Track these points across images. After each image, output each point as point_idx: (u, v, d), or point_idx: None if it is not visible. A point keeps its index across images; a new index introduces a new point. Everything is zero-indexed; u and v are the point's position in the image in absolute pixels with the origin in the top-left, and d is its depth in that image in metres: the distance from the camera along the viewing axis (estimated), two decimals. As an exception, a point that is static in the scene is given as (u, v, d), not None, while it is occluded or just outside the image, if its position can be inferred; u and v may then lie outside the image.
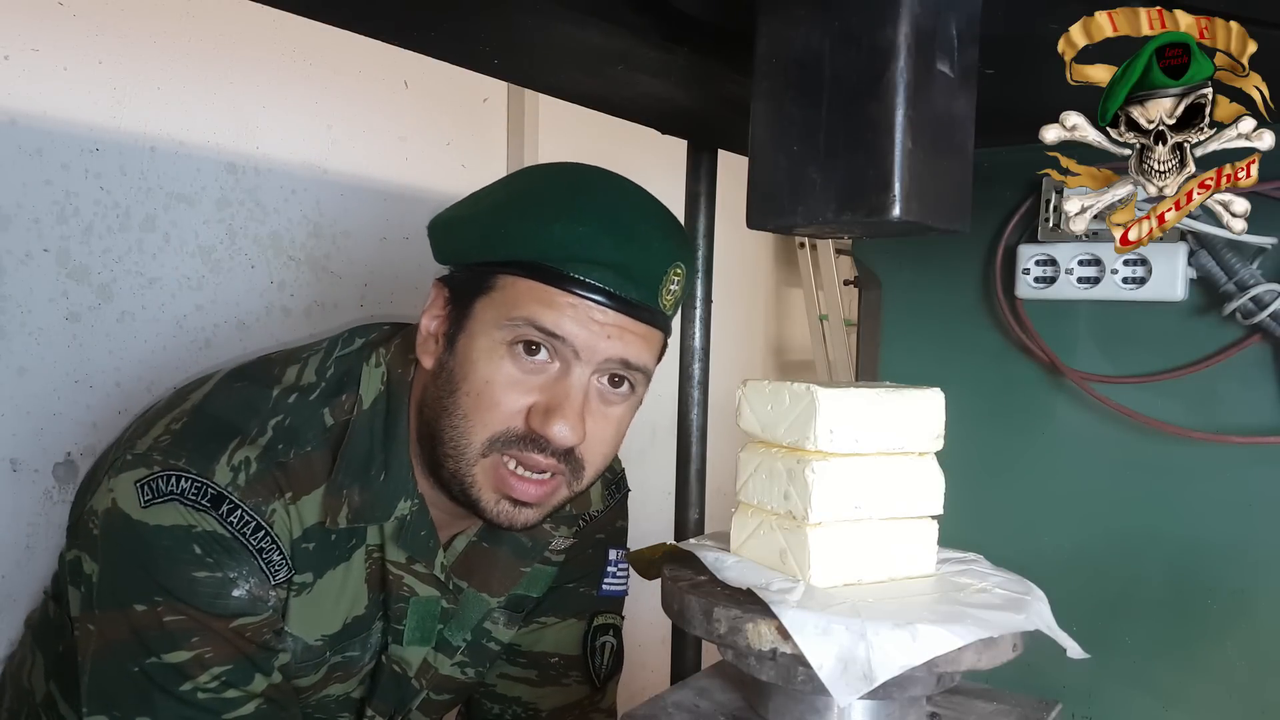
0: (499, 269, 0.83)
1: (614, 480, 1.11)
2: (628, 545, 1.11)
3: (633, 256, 0.81)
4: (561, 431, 0.81)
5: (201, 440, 0.83)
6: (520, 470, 0.83)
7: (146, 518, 0.79)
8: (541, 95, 1.14)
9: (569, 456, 0.84)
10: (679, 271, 0.85)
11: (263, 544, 0.82)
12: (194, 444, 0.82)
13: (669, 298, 0.85)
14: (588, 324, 0.81)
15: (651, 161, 1.35)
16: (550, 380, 0.82)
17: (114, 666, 0.79)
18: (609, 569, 1.06)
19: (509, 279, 0.82)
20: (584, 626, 1.07)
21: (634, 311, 0.83)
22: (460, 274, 0.87)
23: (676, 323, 1.32)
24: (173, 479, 0.80)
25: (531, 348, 0.81)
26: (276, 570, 0.83)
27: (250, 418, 0.85)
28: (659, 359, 0.90)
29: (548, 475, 0.84)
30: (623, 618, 1.12)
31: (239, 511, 0.81)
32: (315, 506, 0.85)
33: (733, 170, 1.12)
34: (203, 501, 0.80)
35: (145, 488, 0.80)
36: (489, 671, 1.05)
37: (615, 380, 0.85)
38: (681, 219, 1.30)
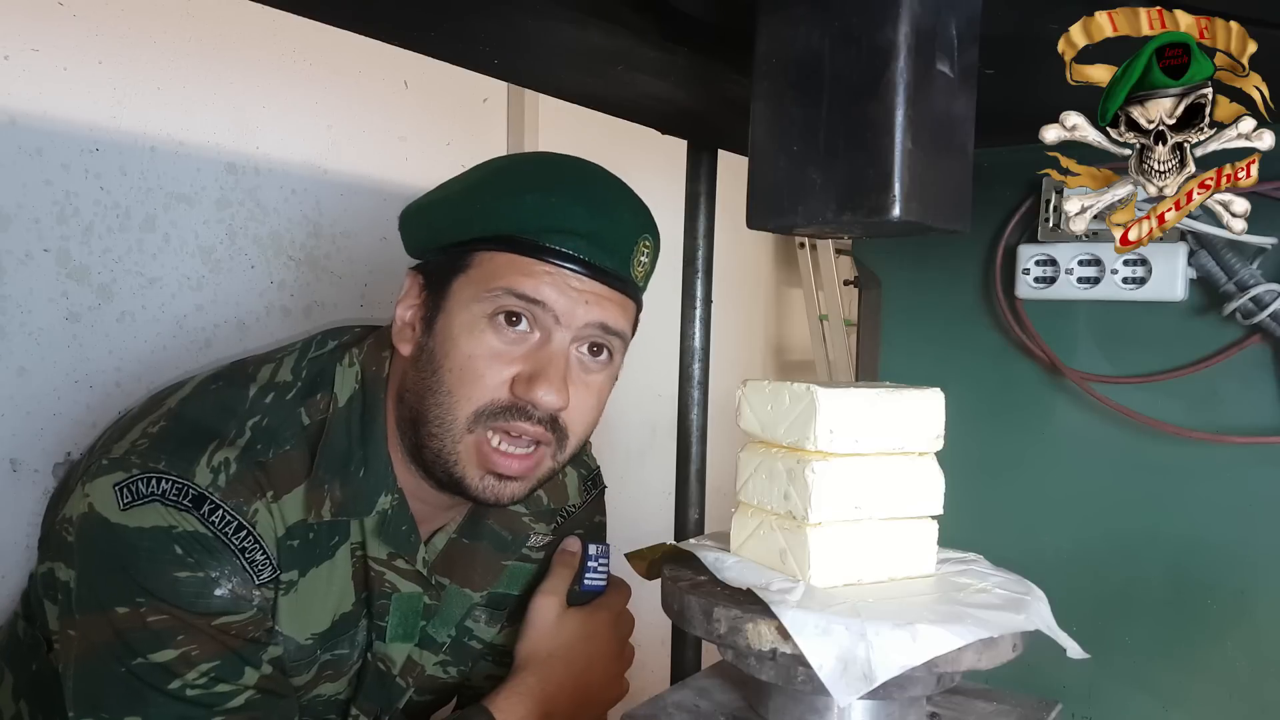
0: (475, 246, 0.85)
1: (590, 476, 1.13)
2: (607, 541, 1.13)
3: (604, 227, 0.84)
4: (547, 395, 0.83)
5: (180, 443, 0.83)
6: (504, 446, 0.85)
7: (126, 520, 0.79)
8: (541, 95, 1.14)
9: (554, 425, 0.86)
10: (648, 244, 0.89)
11: (245, 543, 0.82)
12: (172, 447, 0.82)
13: (639, 269, 0.89)
14: (566, 290, 0.83)
15: (651, 161, 1.35)
16: (532, 349, 0.84)
17: (99, 668, 0.79)
18: (589, 564, 1.08)
19: (486, 254, 0.84)
20: None
21: (608, 279, 0.85)
22: (435, 258, 0.89)
23: (676, 322, 1.33)
24: (152, 481, 0.80)
25: (512, 318, 0.83)
26: (260, 570, 0.83)
27: (228, 419, 0.85)
28: (634, 329, 0.92)
29: (532, 449, 0.86)
30: None
31: (220, 511, 0.81)
32: (297, 504, 0.86)
33: (733, 170, 1.12)
34: (184, 502, 0.80)
35: (124, 490, 0.80)
36: (471, 671, 1.06)
37: (594, 349, 0.88)
38: (681, 219, 1.31)
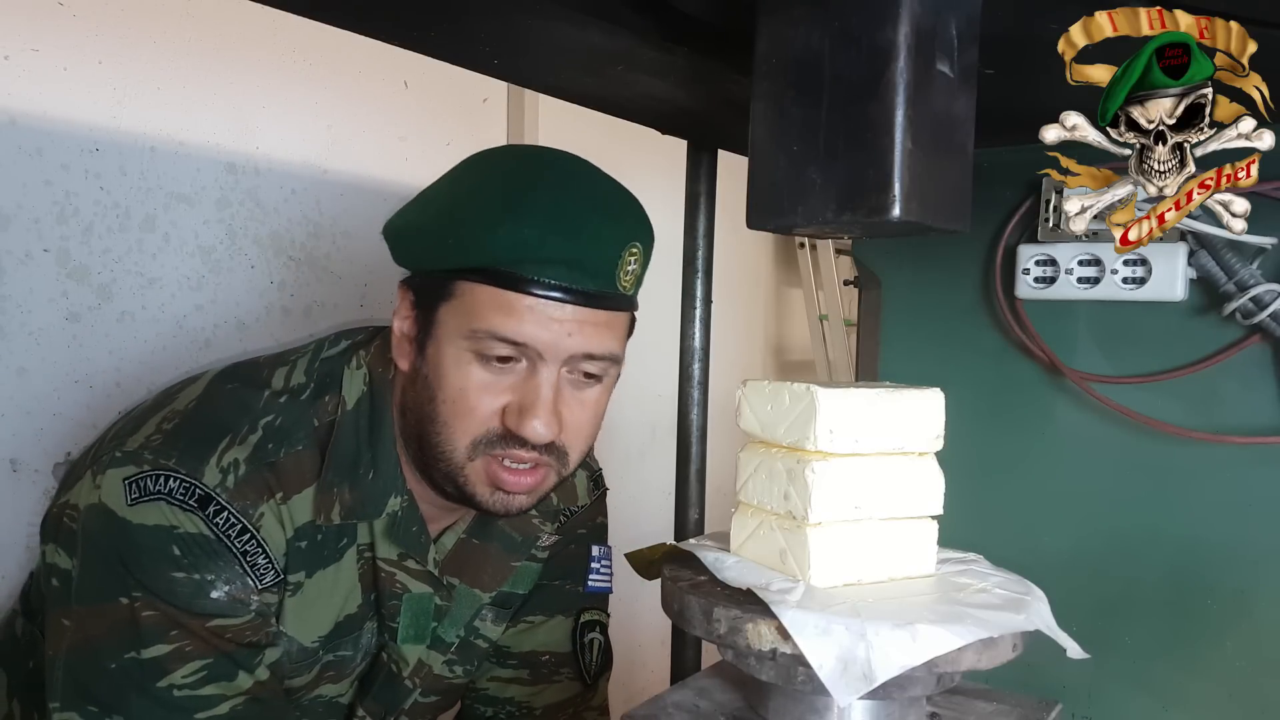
0: (455, 275, 0.83)
1: (592, 476, 1.13)
2: (609, 542, 1.13)
3: (582, 249, 0.80)
4: (537, 429, 0.82)
5: (192, 440, 0.83)
6: (510, 464, 0.85)
7: (130, 515, 0.80)
8: (541, 95, 1.14)
9: (550, 448, 0.85)
10: (635, 251, 0.84)
11: (247, 547, 0.82)
12: (184, 444, 0.82)
13: (628, 279, 0.84)
14: (547, 325, 0.81)
15: (651, 161, 1.35)
16: (520, 379, 0.83)
17: (90, 663, 0.79)
18: (593, 565, 1.07)
19: (466, 285, 0.82)
20: (571, 623, 1.08)
21: (592, 302, 0.82)
22: (421, 278, 0.87)
23: (676, 322, 1.33)
24: (161, 478, 0.80)
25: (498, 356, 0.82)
26: (262, 574, 0.83)
27: (241, 417, 0.85)
28: (627, 339, 0.90)
29: (534, 466, 0.86)
30: (608, 615, 1.13)
31: (226, 514, 0.81)
32: (306, 505, 0.86)
33: (733, 170, 1.12)
34: (190, 502, 0.80)
35: (133, 485, 0.80)
36: (476, 670, 1.05)
37: (585, 374, 0.86)
38: (681, 219, 1.31)
